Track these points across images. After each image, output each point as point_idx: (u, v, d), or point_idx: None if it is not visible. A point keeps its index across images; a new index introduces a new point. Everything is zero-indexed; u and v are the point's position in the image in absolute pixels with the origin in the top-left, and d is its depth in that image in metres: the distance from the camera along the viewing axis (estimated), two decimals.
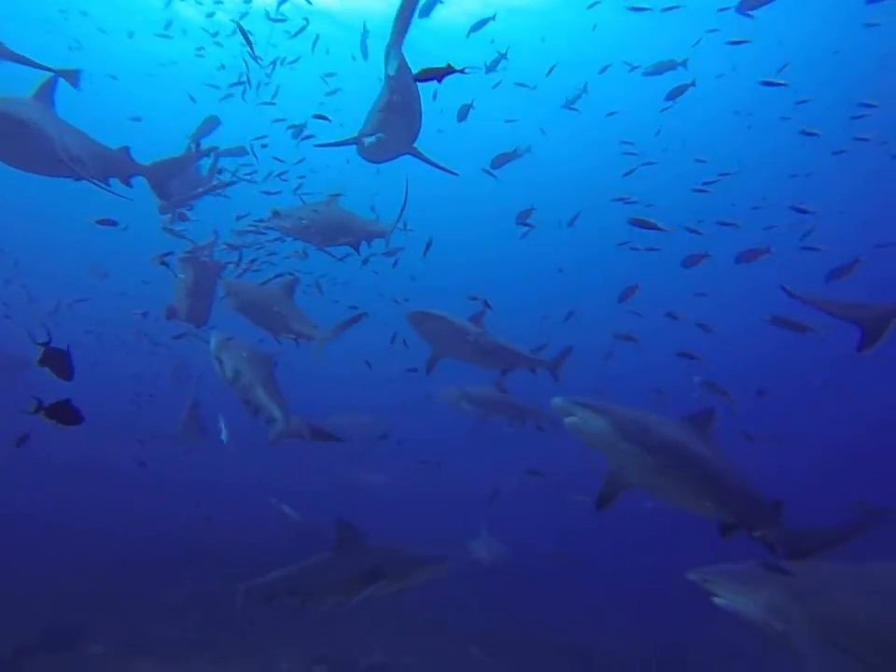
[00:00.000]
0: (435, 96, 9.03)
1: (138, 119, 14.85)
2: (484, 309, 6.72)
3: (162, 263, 6.38)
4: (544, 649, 9.88)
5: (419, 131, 6.24)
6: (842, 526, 4.30)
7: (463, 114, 9.42)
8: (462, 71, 3.50)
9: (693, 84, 10.36)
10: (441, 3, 11.67)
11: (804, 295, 4.43)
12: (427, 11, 10.95)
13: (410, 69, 5.57)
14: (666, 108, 11.04)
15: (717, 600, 3.66)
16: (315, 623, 9.11)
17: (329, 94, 13.10)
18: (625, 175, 8.96)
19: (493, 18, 13.38)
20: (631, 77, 12.89)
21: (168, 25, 16.42)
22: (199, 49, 15.06)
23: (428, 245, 7.49)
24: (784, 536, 4.21)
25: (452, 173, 6.45)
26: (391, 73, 5.55)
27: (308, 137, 8.59)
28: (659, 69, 11.85)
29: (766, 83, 7.58)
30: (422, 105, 6.04)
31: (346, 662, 8.68)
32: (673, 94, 10.52)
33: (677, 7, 11.16)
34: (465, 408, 9.57)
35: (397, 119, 5.76)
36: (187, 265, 7.46)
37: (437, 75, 3.44)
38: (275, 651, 8.58)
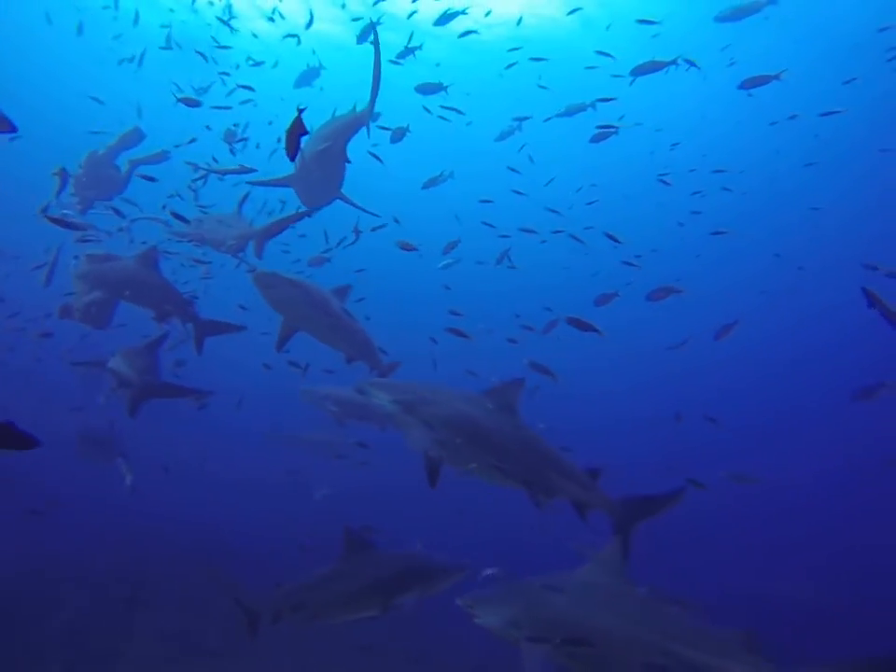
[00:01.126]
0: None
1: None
2: (349, 287, 6.31)
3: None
4: None
5: (341, 181, 6.92)
6: (660, 494, 4.51)
7: (398, 136, 9.55)
8: (301, 110, 3.44)
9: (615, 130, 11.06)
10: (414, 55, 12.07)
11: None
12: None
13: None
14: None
15: (476, 620, 4.08)
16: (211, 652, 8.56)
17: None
18: None
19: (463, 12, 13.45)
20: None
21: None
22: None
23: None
24: (601, 503, 4.45)
25: (374, 215, 7.21)
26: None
27: (242, 140, 8.71)
28: (571, 111, 12.56)
29: None
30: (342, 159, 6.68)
31: None
32: (597, 138, 11.16)
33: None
34: (329, 409, 9.34)
35: (315, 172, 6.55)
36: (91, 260, 6.94)
37: (296, 132, 3.26)
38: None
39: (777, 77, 10.27)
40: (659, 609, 4.08)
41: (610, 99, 10.75)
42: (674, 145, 16.44)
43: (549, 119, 13.10)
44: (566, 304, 9.69)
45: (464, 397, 4.52)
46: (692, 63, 10.23)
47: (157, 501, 11.53)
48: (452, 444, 4.14)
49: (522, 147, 13.58)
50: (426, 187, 11.06)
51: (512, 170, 11.30)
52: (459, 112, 10.46)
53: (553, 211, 10.13)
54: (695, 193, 14.12)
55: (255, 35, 19.29)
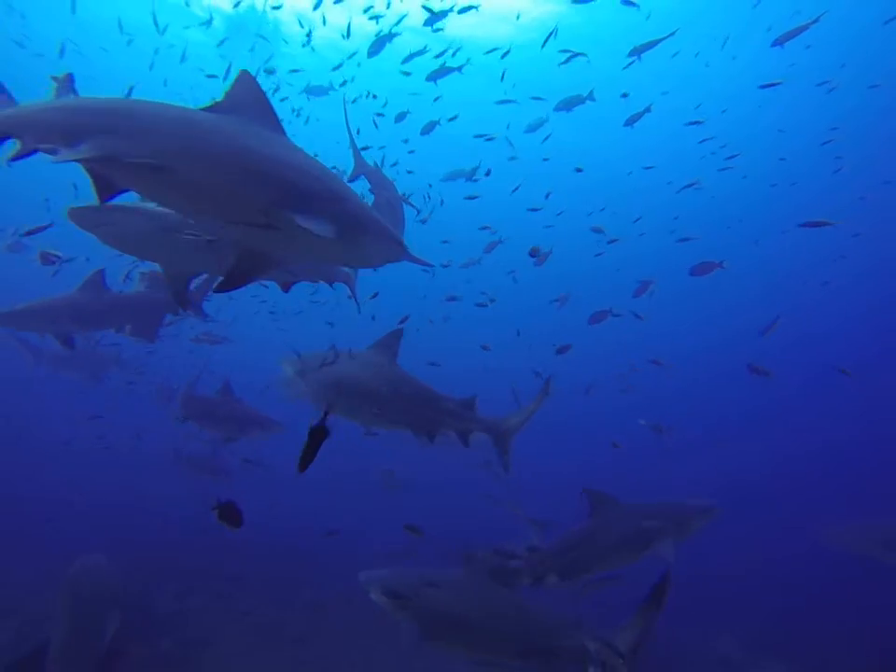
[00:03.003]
0: None
1: None
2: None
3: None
4: None
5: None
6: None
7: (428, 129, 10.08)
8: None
9: (648, 110, 11.10)
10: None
11: None
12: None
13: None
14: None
15: (371, 595, 4.55)
16: (293, 639, 9.12)
17: None
18: None
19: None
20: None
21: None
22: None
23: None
24: (478, 425, 4.79)
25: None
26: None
27: None
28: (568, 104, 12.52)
29: None
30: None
31: None
32: (630, 121, 11.22)
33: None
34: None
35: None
36: (145, 279, 6.99)
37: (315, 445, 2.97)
38: (252, 667, 8.45)
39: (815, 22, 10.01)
40: (520, 607, 4.56)
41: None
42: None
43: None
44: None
45: (351, 357, 4.95)
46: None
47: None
48: (336, 401, 4.64)
49: (546, 137, 13.69)
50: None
51: (579, 170, 11.22)
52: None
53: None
54: None
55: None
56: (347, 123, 7.26)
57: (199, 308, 6.25)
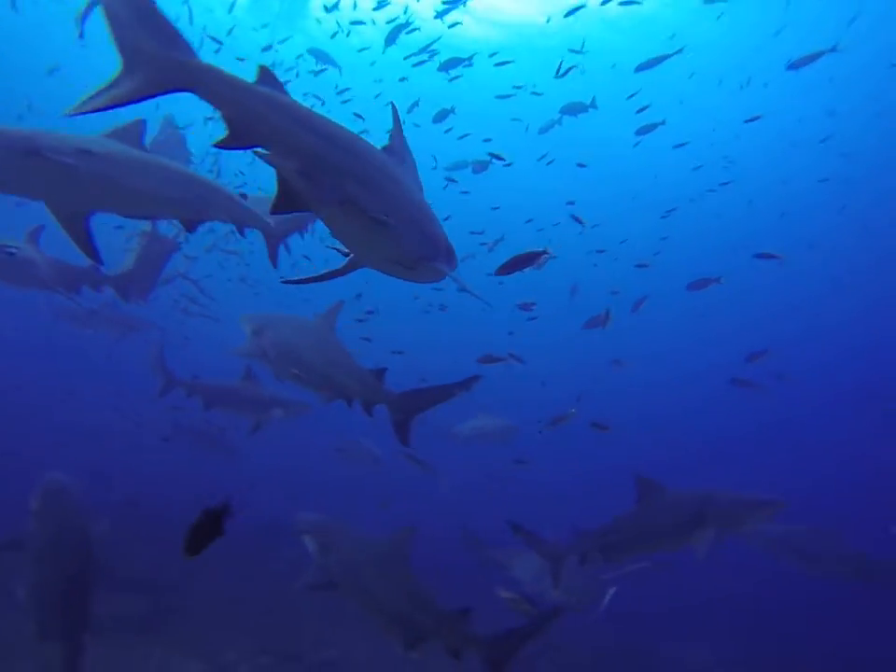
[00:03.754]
0: None
1: None
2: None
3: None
4: None
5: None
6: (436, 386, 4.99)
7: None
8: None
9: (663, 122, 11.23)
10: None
11: None
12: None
13: None
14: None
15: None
16: (267, 613, 9.18)
17: None
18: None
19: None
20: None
21: None
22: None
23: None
24: (382, 398, 4.86)
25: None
26: None
27: None
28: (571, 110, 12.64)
29: None
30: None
31: (294, 655, 8.63)
32: (643, 130, 11.35)
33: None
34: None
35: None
36: (143, 238, 7.09)
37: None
38: (224, 641, 8.51)
39: (832, 50, 10.07)
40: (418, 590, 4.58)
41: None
42: None
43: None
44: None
45: (299, 323, 5.39)
46: None
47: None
48: (272, 358, 5.17)
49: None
50: (475, 171, 11.37)
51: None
52: None
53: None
54: None
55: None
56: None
57: (122, 286, 6.43)
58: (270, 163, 2.86)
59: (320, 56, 13.93)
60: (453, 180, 10.41)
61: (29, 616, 4.61)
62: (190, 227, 4.26)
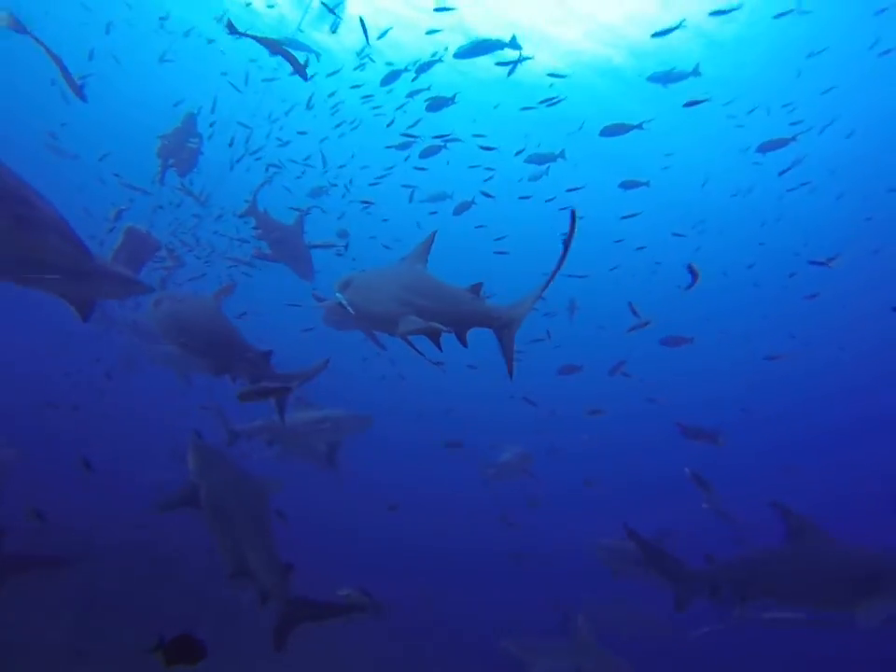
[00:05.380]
0: None
1: None
2: None
3: None
4: None
5: None
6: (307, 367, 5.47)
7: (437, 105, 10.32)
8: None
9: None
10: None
11: None
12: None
13: None
14: None
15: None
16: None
17: None
18: None
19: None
20: None
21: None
22: None
23: None
24: (265, 373, 5.12)
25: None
26: None
27: None
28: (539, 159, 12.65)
29: None
30: None
31: None
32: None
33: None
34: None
35: None
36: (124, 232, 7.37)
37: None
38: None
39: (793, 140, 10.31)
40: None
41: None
42: None
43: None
44: None
45: (200, 302, 5.71)
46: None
47: None
48: (178, 339, 5.51)
49: None
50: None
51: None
52: None
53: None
54: None
55: None
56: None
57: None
58: None
59: None
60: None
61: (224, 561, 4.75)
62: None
